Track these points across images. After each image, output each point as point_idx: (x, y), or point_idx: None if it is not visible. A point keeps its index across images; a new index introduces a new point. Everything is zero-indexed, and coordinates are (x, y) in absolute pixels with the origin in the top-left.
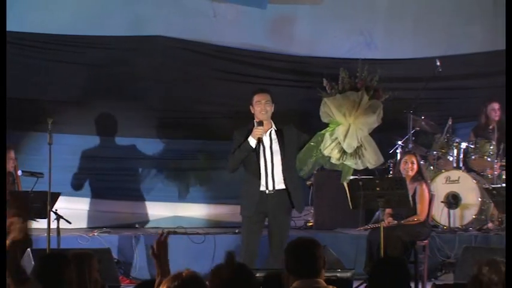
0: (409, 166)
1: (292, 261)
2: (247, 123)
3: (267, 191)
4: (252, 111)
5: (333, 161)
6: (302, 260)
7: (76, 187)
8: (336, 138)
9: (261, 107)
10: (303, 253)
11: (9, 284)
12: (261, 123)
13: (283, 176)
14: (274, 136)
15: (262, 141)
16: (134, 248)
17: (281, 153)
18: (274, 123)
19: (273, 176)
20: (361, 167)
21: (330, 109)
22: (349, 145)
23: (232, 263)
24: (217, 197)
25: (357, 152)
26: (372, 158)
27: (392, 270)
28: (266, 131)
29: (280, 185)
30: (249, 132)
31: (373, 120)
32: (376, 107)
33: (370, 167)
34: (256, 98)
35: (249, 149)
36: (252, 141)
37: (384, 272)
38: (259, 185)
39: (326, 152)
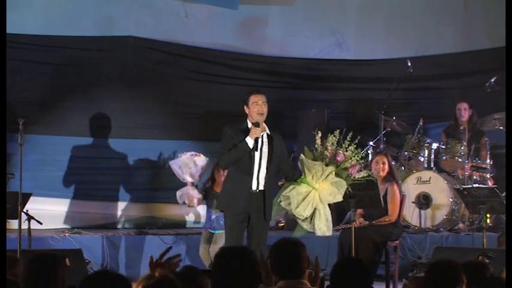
0: (380, 166)
1: (277, 262)
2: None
3: (250, 191)
4: (247, 112)
5: (289, 212)
6: (287, 260)
7: (47, 188)
8: (293, 197)
9: (258, 108)
10: (288, 254)
11: None
12: (257, 124)
13: (265, 180)
14: (265, 139)
15: (256, 142)
16: (105, 249)
17: (268, 157)
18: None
19: (258, 178)
20: (311, 230)
21: (302, 167)
22: (298, 213)
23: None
24: None
25: (309, 218)
26: (320, 229)
27: (353, 271)
28: (261, 133)
29: (263, 187)
30: (241, 130)
31: (335, 196)
32: (341, 186)
33: (318, 233)
34: (253, 98)
35: (247, 149)
36: (250, 142)
37: (345, 272)
38: (248, 184)
39: (283, 204)
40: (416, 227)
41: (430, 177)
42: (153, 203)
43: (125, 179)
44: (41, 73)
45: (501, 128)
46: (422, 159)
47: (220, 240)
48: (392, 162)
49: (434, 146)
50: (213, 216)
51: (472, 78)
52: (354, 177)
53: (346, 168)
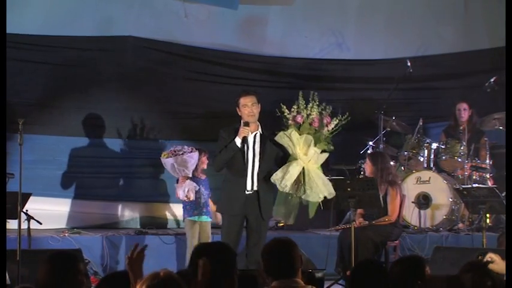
0: (365, 167)
1: (270, 262)
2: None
3: (246, 192)
4: (239, 113)
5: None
6: (279, 260)
7: (47, 188)
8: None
9: (248, 109)
10: (280, 254)
11: None
12: (247, 124)
13: (257, 180)
14: (258, 139)
15: (247, 141)
16: (105, 249)
17: (260, 156)
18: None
19: (252, 177)
20: (316, 199)
21: (284, 143)
22: (284, 186)
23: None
24: None
25: (308, 185)
26: (321, 192)
27: (372, 274)
28: (252, 132)
29: (257, 187)
30: (236, 131)
31: (313, 153)
32: (308, 142)
33: (320, 197)
34: (242, 101)
35: (235, 149)
36: (238, 141)
37: (364, 275)
38: (243, 185)
39: (279, 188)
40: (416, 227)
41: (429, 177)
42: (153, 203)
43: (125, 179)
44: (41, 73)
45: (501, 128)
46: (422, 159)
47: (207, 230)
48: (391, 163)
49: (434, 146)
50: (203, 201)
51: (471, 78)
52: (328, 130)
53: (310, 125)
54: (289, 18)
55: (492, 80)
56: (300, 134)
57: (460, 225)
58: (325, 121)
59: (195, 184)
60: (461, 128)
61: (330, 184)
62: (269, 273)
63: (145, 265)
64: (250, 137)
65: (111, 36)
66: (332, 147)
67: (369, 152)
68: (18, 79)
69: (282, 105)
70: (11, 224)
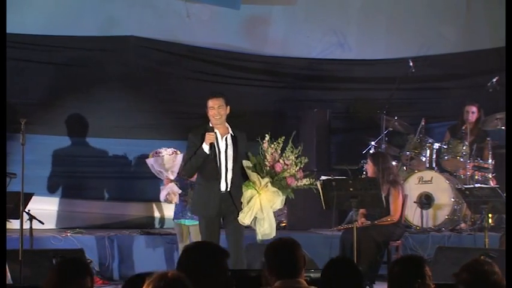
0: (367, 168)
1: (273, 262)
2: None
3: (221, 193)
4: (208, 115)
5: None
6: (282, 260)
7: (49, 188)
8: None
9: (214, 112)
10: (284, 253)
11: None
12: (212, 129)
13: (232, 181)
14: (229, 141)
15: (215, 146)
16: (107, 249)
17: (233, 159)
18: (233, 126)
19: (226, 180)
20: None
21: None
22: (240, 221)
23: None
24: None
25: (258, 222)
26: (264, 232)
27: (343, 271)
28: (223, 136)
29: (230, 188)
30: (203, 136)
31: (272, 205)
32: (279, 195)
33: (258, 238)
34: (209, 103)
35: (204, 156)
36: (206, 148)
37: (335, 272)
38: (217, 187)
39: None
40: (418, 227)
41: (431, 177)
42: (155, 203)
43: (127, 178)
44: (43, 73)
45: (503, 128)
46: (424, 159)
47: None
48: (393, 163)
49: (436, 145)
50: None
51: (474, 78)
52: (297, 185)
53: (284, 178)
54: (291, 18)
55: (494, 80)
56: (271, 183)
57: (462, 225)
58: (298, 175)
59: (177, 188)
60: (463, 128)
61: (274, 226)
62: (272, 273)
63: (145, 265)
64: (222, 141)
65: (112, 36)
66: (292, 195)
67: (370, 152)
68: (20, 79)
69: (266, 136)
70: (13, 224)
